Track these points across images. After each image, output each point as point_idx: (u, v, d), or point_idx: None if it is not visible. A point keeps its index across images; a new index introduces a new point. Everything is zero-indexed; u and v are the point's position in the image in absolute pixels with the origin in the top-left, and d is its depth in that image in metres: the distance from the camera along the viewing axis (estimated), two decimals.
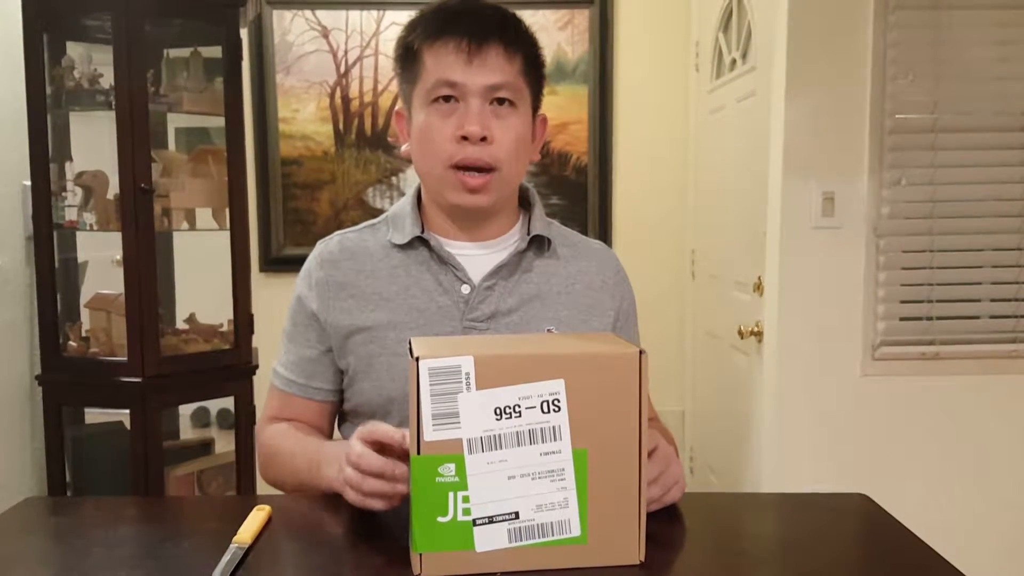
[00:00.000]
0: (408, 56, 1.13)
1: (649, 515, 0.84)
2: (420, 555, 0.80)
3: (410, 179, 3.19)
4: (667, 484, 0.96)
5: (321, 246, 1.22)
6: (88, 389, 2.28)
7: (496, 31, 1.09)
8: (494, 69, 1.09)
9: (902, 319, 2.19)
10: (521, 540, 0.81)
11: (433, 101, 1.10)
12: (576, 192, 3.27)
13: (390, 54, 1.20)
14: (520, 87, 1.12)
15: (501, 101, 1.10)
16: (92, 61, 2.27)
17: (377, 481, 0.88)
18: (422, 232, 1.16)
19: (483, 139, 1.08)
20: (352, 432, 1.15)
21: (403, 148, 1.19)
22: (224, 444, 2.57)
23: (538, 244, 1.20)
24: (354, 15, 3.16)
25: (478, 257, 1.17)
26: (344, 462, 0.92)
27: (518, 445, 0.80)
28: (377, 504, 0.89)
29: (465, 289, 1.15)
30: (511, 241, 1.19)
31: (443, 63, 1.09)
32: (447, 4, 1.12)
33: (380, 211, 1.26)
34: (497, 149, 1.10)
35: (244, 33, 2.39)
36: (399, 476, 0.86)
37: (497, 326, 1.14)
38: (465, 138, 1.08)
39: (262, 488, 1.22)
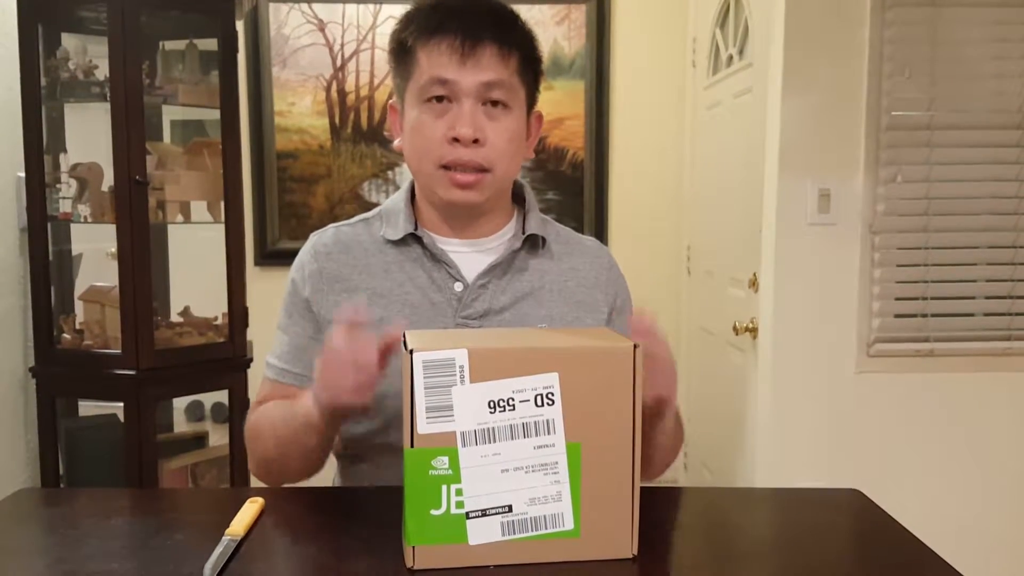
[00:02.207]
0: (402, 51, 1.12)
1: (642, 509, 0.84)
2: (413, 548, 0.80)
3: (406, 173, 3.18)
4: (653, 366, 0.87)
5: (315, 238, 1.21)
6: (82, 381, 2.27)
7: (491, 29, 1.08)
8: (488, 69, 1.07)
9: (897, 316, 2.19)
10: (514, 533, 0.81)
11: (426, 100, 1.09)
12: (572, 187, 3.26)
13: (387, 48, 1.19)
14: (515, 86, 1.10)
15: (495, 103, 1.09)
16: (87, 52, 2.26)
17: (344, 368, 0.89)
18: (415, 229, 1.16)
19: (475, 141, 1.07)
20: (345, 429, 1.14)
21: (396, 143, 1.18)
22: (218, 438, 2.57)
23: (532, 242, 1.19)
24: (351, 9, 3.15)
25: (471, 255, 1.17)
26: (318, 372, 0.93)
27: (512, 438, 0.80)
28: (348, 397, 0.90)
29: (458, 287, 1.14)
30: (505, 239, 1.19)
31: (436, 61, 1.07)
32: (442, 0, 1.11)
33: (376, 205, 1.25)
34: (490, 151, 1.09)
35: (240, 26, 2.38)
36: (367, 359, 0.88)
37: (490, 324, 1.14)
38: (457, 140, 1.07)
39: (255, 481, 1.22)
